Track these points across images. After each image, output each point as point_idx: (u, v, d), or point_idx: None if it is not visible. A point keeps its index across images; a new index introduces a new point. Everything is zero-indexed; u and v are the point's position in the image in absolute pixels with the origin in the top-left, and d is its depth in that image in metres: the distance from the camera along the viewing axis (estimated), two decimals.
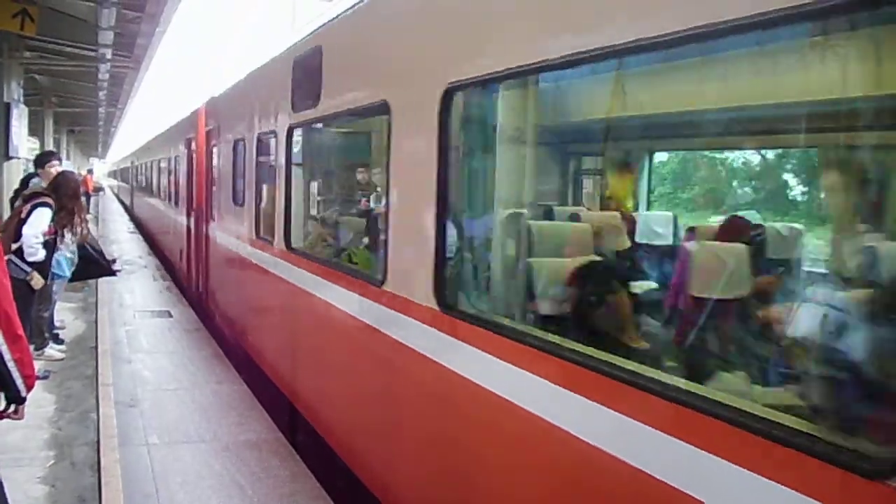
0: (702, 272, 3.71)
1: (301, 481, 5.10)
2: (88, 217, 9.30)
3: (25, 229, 6.67)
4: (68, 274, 7.65)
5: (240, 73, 8.85)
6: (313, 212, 6.94)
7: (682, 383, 2.42)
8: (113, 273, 8.88)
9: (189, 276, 12.30)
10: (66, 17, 13.49)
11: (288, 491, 4.93)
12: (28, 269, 6.62)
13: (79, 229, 7.38)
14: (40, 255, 6.74)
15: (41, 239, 6.72)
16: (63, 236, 7.14)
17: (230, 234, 8.80)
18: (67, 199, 7.16)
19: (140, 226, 25.94)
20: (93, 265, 8.09)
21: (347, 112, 4.98)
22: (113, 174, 63.63)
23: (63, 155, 25.22)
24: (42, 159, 8.49)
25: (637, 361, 2.68)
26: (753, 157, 7.66)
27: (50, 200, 6.93)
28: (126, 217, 32.36)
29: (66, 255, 7.45)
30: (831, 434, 1.93)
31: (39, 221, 6.75)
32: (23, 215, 6.77)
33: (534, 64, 2.91)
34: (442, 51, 3.68)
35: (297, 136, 6.34)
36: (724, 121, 4.75)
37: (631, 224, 5.48)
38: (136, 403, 6.60)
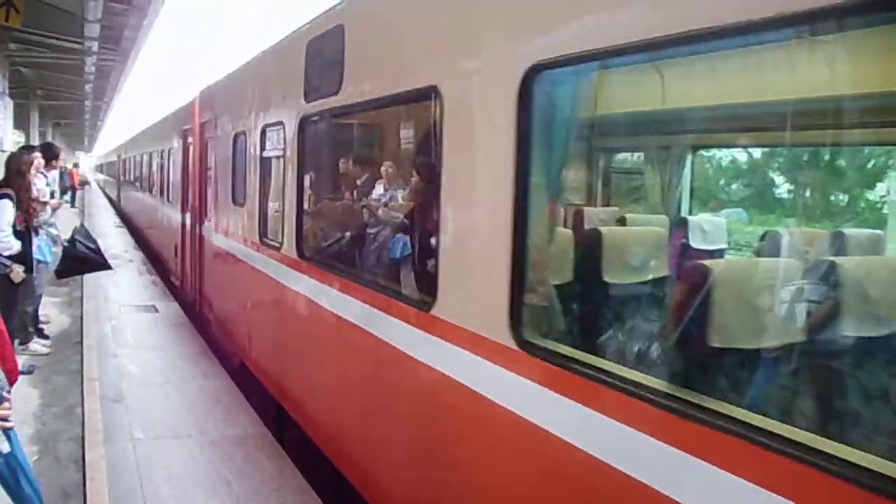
0: None
1: (287, 476, 5.12)
2: (63, 203, 9.05)
3: None
4: (49, 258, 7.57)
5: None
6: None
7: None
8: (108, 267, 8.75)
9: None
10: (52, 9, 13.31)
11: (274, 486, 4.94)
12: (7, 262, 6.56)
13: (29, 207, 7.00)
14: (15, 247, 6.67)
15: (8, 231, 6.64)
16: (35, 221, 7.02)
17: None
18: (14, 180, 6.93)
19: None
20: (85, 262, 7.98)
21: None
22: (105, 168, 50.37)
23: None
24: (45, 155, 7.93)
25: None
26: None
27: (9, 191, 6.79)
28: (113, 211, 30.80)
29: (45, 241, 7.37)
30: None
31: (2, 215, 6.66)
32: None
33: None
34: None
35: None
36: None
37: None
38: (122, 398, 6.57)
